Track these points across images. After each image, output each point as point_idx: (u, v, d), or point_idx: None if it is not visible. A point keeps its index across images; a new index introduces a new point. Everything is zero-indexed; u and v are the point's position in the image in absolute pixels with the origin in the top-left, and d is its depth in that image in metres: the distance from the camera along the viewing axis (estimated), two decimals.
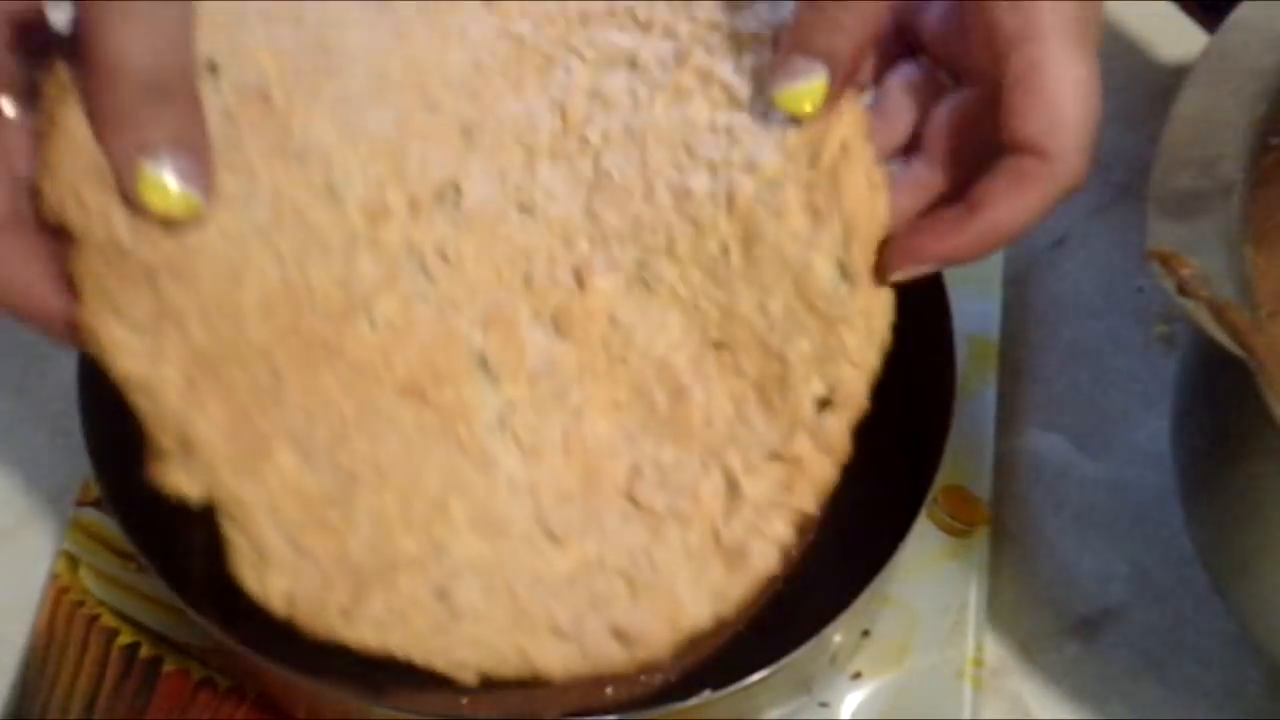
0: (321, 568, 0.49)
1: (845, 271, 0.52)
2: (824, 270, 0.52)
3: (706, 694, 0.54)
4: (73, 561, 0.62)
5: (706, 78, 0.54)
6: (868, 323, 0.51)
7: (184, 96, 0.46)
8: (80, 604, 0.61)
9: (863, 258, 0.51)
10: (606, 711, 0.58)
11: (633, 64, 0.56)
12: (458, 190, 0.54)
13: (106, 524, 0.62)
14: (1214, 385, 0.53)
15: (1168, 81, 0.54)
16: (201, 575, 0.61)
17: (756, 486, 0.52)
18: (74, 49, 0.46)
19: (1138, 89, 0.74)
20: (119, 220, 0.47)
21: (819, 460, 0.52)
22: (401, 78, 0.55)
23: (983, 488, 0.64)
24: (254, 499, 0.48)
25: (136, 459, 0.58)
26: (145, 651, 0.60)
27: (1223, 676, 0.61)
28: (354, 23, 0.56)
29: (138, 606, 0.61)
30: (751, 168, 0.53)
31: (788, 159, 0.53)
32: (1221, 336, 0.47)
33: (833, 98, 0.51)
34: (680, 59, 0.55)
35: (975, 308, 0.67)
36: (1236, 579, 0.54)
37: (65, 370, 0.58)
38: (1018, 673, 0.61)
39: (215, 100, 0.50)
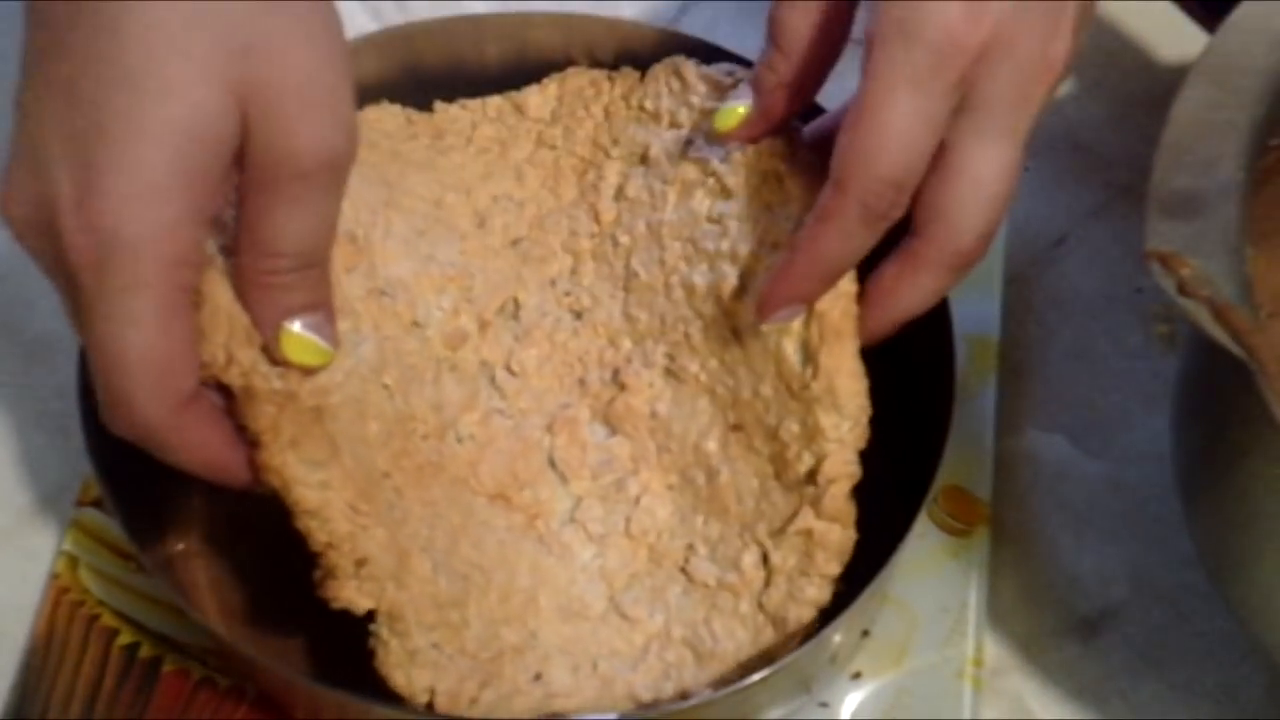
0: (455, 664, 0.53)
1: (807, 353, 0.55)
2: (792, 353, 0.55)
3: (706, 694, 0.54)
4: (73, 561, 0.62)
5: (704, 167, 0.58)
6: (834, 400, 0.54)
7: (322, 265, 0.52)
8: (80, 604, 0.61)
9: (821, 339, 0.54)
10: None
11: (645, 159, 0.61)
12: (517, 304, 0.60)
13: (106, 524, 0.62)
14: (1214, 385, 0.53)
15: (1168, 81, 0.54)
16: (201, 575, 0.61)
17: (784, 558, 0.55)
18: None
19: (1138, 89, 0.74)
20: (270, 372, 0.52)
21: (828, 528, 0.54)
22: (455, 201, 0.61)
23: (983, 488, 0.64)
24: (405, 605, 0.52)
25: (136, 459, 0.58)
26: (145, 651, 0.60)
27: (1223, 676, 0.61)
28: (405, 157, 0.61)
29: (138, 606, 0.61)
30: (735, 257, 0.56)
31: (761, 245, 0.56)
32: (1221, 336, 0.47)
33: (750, 121, 0.56)
34: (683, 149, 0.59)
35: (975, 308, 0.67)
36: (1236, 579, 0.54)
37: (65, 370, 0.58)
38: (1018, 673, 0.61)
39: None
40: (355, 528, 0.51)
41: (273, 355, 0.52)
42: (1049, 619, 0.62)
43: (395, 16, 0.68)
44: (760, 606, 0.56)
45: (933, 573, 0.62)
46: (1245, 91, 0.51)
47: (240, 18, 0.47)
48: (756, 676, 0.53)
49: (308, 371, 0.52)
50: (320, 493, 0.51)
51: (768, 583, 0.56)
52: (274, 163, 0.49)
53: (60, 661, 0.60)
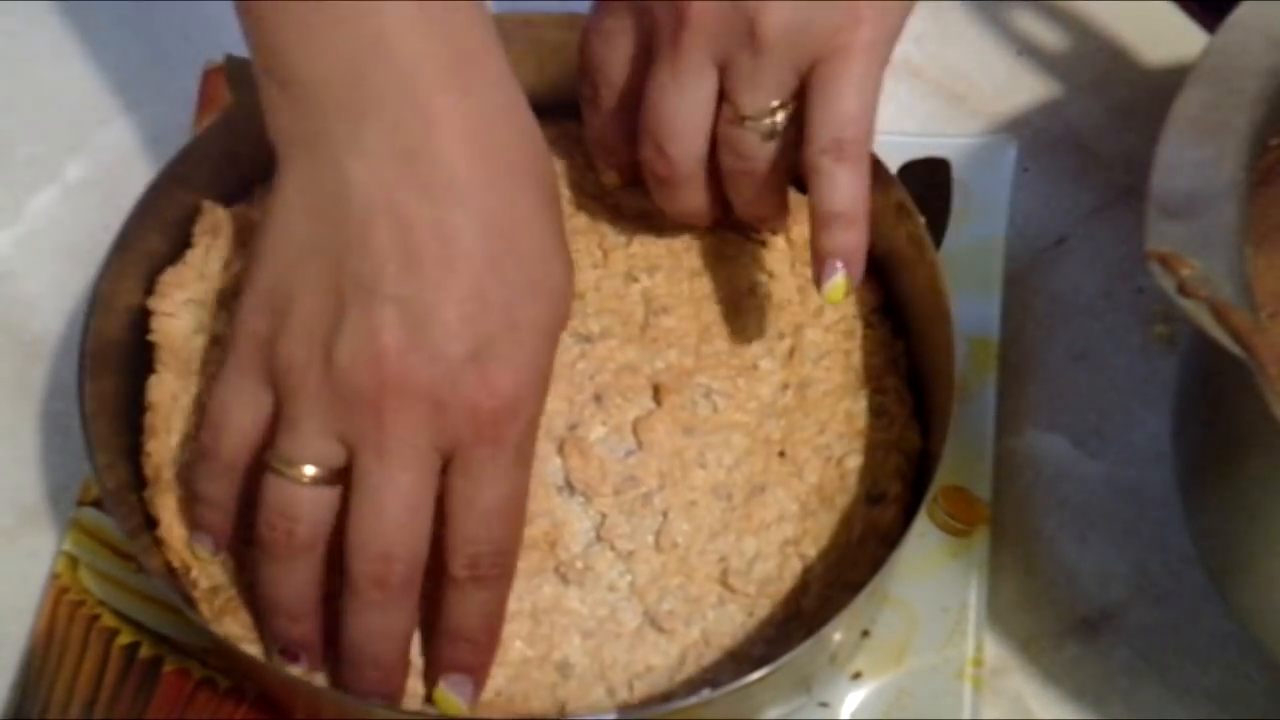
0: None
1: (882, 408, 0.60)
2: (861, 406, 0.60)
3: (706, 693, 0.54)
4: (73, 561, 0.62)
5: (738, 241, 0.63)
6: (899, 444, 0.60)
7: None
8: (80, 604, 0.61)
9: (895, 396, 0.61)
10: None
11: (646, 215, 0.63)
12: None
13: (106, 524, 0.62)
14: (1214, 385, 0.53)
15: (1168, 81, 0.54)
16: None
17: (828, 568, 0.57)
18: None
19: (1138, 89, 0.74)
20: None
21: (872, 542, 0.58)
22: None
23: (983, 488, 0.64)
24: None
25: (136, 459, 0.58)
26: (145, 651, 0.60)
27: (1223, 676, 0.61)
28: None
29: (138, 606, 0.61)
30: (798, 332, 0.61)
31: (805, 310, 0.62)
32: (1221, 336, 0.47)
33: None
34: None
35: (975, 308, 0.67)
36: (1236, 579, 0.54)
37: (65, 370, 0.58)
38: (1018, 673, 0.61)
39: None
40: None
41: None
42: (1049, 619, 0.62)
43: None
44: (798, 610, 0.57)
45: (933, 573, 0.62)
46: (1245, 91, 0.51)
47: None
48: (756, 675, 0.53)
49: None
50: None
51: (804, 587, 0.57)
52: None
53: (60, 661, 0.60)
